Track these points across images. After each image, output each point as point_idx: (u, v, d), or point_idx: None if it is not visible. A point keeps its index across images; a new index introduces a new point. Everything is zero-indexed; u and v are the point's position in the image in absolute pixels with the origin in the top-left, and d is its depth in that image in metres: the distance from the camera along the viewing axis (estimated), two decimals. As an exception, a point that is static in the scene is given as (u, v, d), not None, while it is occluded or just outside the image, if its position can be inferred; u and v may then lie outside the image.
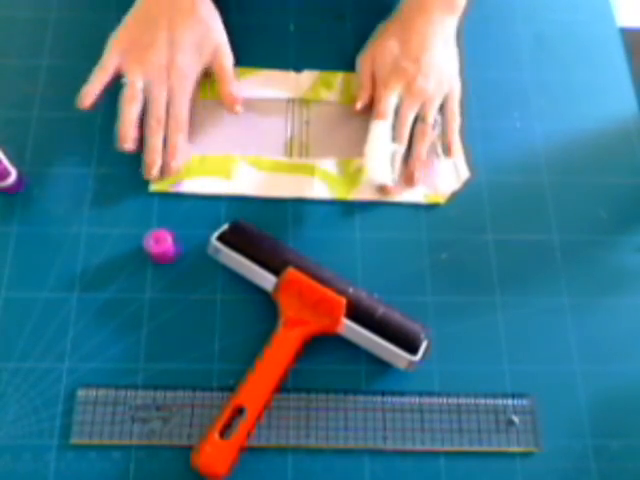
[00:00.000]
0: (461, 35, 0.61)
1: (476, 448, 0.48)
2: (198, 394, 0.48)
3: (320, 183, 0.56)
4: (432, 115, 0.57)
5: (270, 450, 0.47)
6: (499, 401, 0.49)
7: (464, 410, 0.49)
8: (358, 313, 0.49)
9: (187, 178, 0.56)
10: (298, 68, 0.62)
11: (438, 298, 0.53)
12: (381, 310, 0.49)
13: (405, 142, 0.57)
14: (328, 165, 0.57)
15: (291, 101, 0.60)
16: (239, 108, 0.57)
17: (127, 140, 0.54)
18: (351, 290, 0.50)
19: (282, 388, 0.48)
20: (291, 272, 0.49)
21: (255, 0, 0.65)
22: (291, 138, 0.59)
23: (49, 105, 0.58)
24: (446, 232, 0.55)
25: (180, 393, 0.48)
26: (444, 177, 0.57)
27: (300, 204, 0.56)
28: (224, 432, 0.45)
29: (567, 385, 0.50)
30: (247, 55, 0.61)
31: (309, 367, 0.50)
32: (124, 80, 0.55)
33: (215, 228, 0.52)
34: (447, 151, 0.58)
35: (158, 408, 0.48)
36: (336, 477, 0.47)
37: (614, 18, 0.67)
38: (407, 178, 0.56)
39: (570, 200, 0.57)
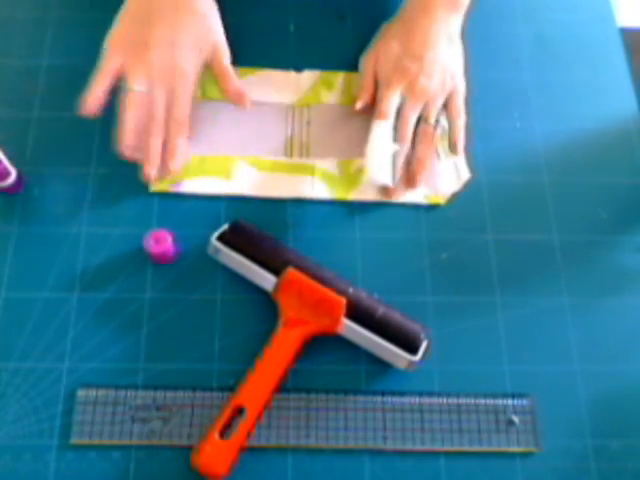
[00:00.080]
0: (463, 34, 0.61)
1: (476, 448, 0.48)
2: (198, 394, 0.48)
3: (320, 183, 0.56)
4: (434, 115, 0.57)
5: (270, 450, 0.47)
6: (499, 401, 0.49)
7: (464, 410, 0.49)
8: (358, 313, 0.49)
9: (187, 178, 0.56)
10: (298, 68, 0.62)
11: (438, 298, 0.53)
12: (381, 310, 0.49)
13: (407, 143, 0.56)
14: (328, 165, 0.57)
15: (292, 101, 0.60)
16: (248, 101, 0.56)
17: (126, 149, 0.53)
18: (351, 290, 0.50)
19: (282, 388, 0.48)
20: (291, 272, 0.49)
21: (255, 0, 0.65)
22: (291, 138, 0.59)
23: (49, 105, 0.58)
24: (446, 232, 0.55)
25: (180, 393, 0.48)
26: (445, 178, 0.57)
27: (300, 204, 0.56)
28: (224, 432, 0.45)
29: (567, 385, 0.50)
30: (247, 55, 0.61)
31: (309, 367, 0.50)
32: (125, 84, 0.54)
33: (215, 228, 0.52)
34: (453, 148, 0.57)
35: (158, 408, 0.48)
36: (336, 477, 0.47)
37: (614, 18, 0.67)
38: (409, 180, 0.56)
39: (570, 200, 0.57)
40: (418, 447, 0.47)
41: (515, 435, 0.48)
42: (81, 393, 0.48)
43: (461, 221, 0.56)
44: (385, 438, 0.48)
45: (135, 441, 0.47)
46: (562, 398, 0.50)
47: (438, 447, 0.48)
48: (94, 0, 0.64)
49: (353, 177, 0.57)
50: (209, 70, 0.58)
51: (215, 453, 0.44)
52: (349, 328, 0.49)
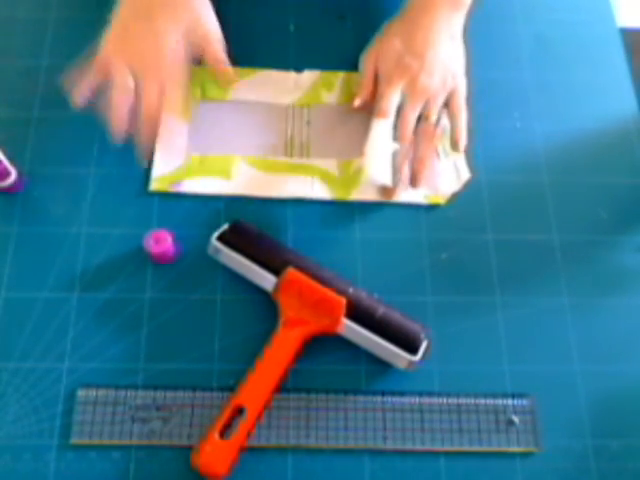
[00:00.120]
0: (465, 34, 0.61)
1: (476, 448, 0.48)
2: (198, 394, 0.48)
3: (320, 183, 0.56)
4: (435, 114, 0.57)
5: (270, 450, 0.47)
6: (499, 401, 0.49)
7: (464, 410, 0.49)
8: (358, 313, 0.49)
9: (187, 178, 0.56)
10: (298, 68, 0.62)
11: (438, 298, 0.53)
12: (381, 310, 0.49)
13: (407, 142, 0.56)
14: (328, 165, 0.57)
15: (292, 102, 0.60)
16: (232, 71, 0.58)
17: (120, 137, 0.54)
18: (351, 290, 0.49)
19: (282, 388, 0.48)
20: (291, 272, 0.49)
21: (255, 0, 0.65)
22: (291, 138, 0.59)
23: (49, 105, 0.58)
24: (446, 232, 0.55)
25: (180, 393, 0.48)
26: (445, 178, 0.57)
27: (300, 204, 0.56)
28: (224, 432, 0.45)
29: (567, 385, 0.50)
30: (247, 55, 0.61)
31: (309, 367, 0.50)
32: (112, 77, 0.54)
33: (215, 228, 0.52)
34: (455, 146, 0.57)
35: (158, 408, 0.48)
36: (336, 477, 0.47)
37: (614, 18, 0.67)
38: (410, 179, 0.56)
39: (570, 200, 0.57)
40: (418, 447, 0.47)
41: (515, 435, 0.48)
42: (81, 393, 0.48)
43: (461, 221, 0.56)
44: (385, 438, 0.48)
45: (135, 441, 0.47)
46: (562, 398, 0.50)
47: (438, 447, 0.48)
48: (94, 0, 0.64)
49: (353, 177, 0.57)
50: (209, 70, 0.58)
51: (215, 453, 0.44)
52: (349, 328, 0.49)
